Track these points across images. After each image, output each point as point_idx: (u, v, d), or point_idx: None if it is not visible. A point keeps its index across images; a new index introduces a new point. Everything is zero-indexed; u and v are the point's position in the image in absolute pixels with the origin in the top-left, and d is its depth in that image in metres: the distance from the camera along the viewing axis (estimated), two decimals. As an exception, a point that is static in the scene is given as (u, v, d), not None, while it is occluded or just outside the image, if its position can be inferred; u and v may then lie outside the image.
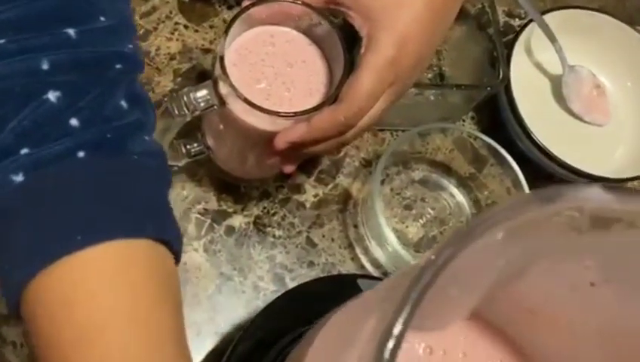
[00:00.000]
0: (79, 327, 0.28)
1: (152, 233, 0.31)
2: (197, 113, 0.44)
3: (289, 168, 0.48)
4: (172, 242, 0.32)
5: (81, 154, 0.30)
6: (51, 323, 0.28)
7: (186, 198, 0.56)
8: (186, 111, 0.44)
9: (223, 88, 0.44)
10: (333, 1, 0.45)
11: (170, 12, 0.62)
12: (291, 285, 0.55)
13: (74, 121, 0.30)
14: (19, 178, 0.29)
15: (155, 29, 0.61)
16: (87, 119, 0.31)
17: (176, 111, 0.44)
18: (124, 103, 0.33)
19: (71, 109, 0.30)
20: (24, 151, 0.30)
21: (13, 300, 0.29)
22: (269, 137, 0.46)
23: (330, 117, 0.43)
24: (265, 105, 0.43)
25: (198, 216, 0.56)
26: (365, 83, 0.42)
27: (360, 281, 0.44)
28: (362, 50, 0.43)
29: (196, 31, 0.62)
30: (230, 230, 0.56)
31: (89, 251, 0.29)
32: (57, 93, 0.30)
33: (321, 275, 0.55)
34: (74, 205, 0.29)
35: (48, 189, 0.29)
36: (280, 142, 0.44)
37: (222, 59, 0.43)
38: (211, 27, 0.63)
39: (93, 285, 0.28)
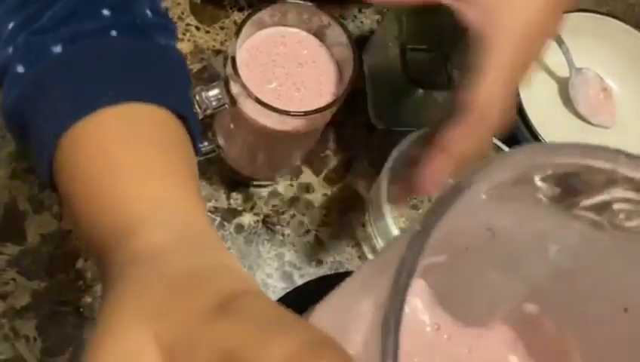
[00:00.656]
0: (113, 167, 0.31)
1: (175, 105, 0.33)
2: (209, 112, 0.45)
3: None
4: (191, 122, 0.35)
5: (113, 33, 0.34)
6: (89, 167, 0.31)
7: (196, 196, 0.57)
8: (198, 110, 0.45)
9: (234, 88, 0.45)
10: None
11: (182, 13, 0.63)
12: (300, 282, 0.55)
13: (106, 12, 0.34)
14: (57, 49, 0.32)
15: (167, 29, 0.62)
16: (118, 10, 0.34)
17: None
18: (148, 12, 0.36)
19: (102, 2, 0.34)
20: (62, 30, 0.33)
21: (48, 152, 0.31)
22: (278, 137, 0.47)
23: (461, 133, 0.40)
24: (275, 105, 0.43)
25: (209, 213, 0.56)
26: (490, 91, 0.40)
27: None
28: (477, 51, 0.40)
29: (207, 32, 0.63)
30: (240, 228, 0.57)
31: (123, 106, 0.31)
32: None
33: (329, 273, 0.56)
34: (107, 71, 0.33)
35: (84, 58, 0.33)
36: (428, 185, 0.42)
37: (233, 59, 0.44)
38: (222, 28, 0.63)
39: (127, 134, 0.31)
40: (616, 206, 0.23)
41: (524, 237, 0.27)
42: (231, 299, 0.22)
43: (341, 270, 0.57)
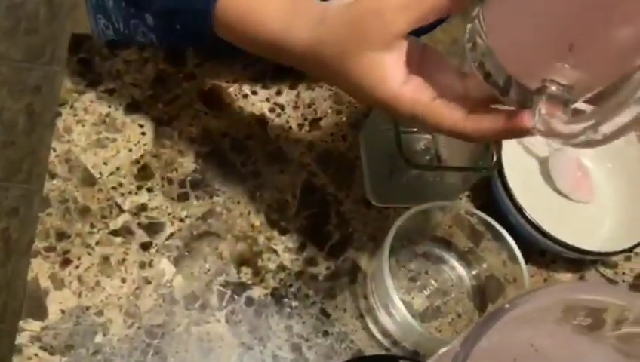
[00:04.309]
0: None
1: None
2: None
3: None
4: None
5: None
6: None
7: (208, 271, 0.60)
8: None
9: None
10: None
11: (191, 100, 0.68)
12: (308, 354, 0.58)
13: None
14: None
15: (178, 115, 0.67)
16: None
17: None
18: None
19: None
20: None
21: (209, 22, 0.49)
22: None
23: None
24: None
25: (220, 287, 0.59)
26: None
27: None
28: None
29: (215, 117, 0.68)
30: (250, 301, 0.59)
31: None
32: None
33: (335, 344, 0.59)
34: None
35: None
36: None
37: None
38: (228, 113, 0.68)
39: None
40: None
41: (563, 357, 0.31)
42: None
43: (347, 341, 0.59)
